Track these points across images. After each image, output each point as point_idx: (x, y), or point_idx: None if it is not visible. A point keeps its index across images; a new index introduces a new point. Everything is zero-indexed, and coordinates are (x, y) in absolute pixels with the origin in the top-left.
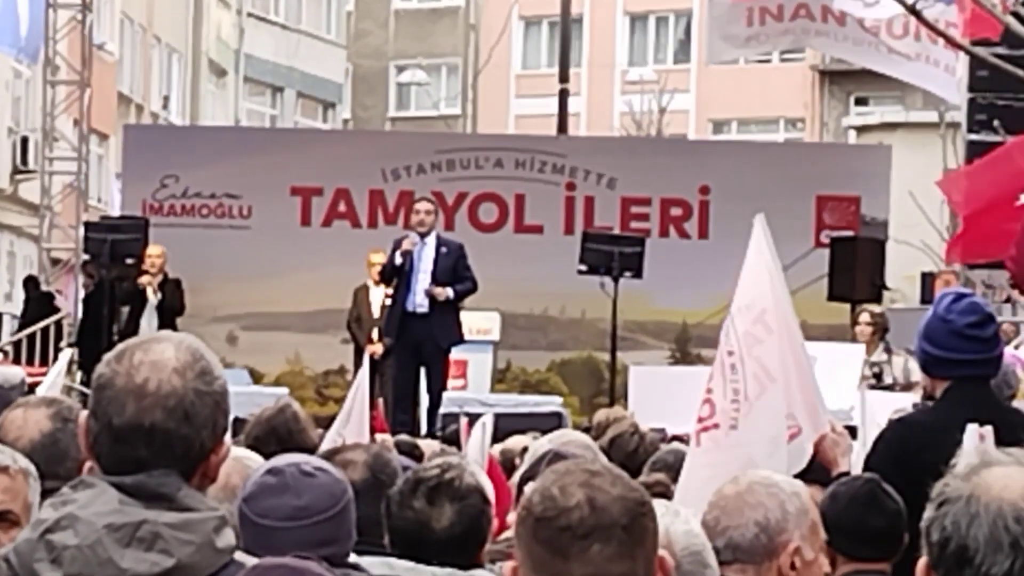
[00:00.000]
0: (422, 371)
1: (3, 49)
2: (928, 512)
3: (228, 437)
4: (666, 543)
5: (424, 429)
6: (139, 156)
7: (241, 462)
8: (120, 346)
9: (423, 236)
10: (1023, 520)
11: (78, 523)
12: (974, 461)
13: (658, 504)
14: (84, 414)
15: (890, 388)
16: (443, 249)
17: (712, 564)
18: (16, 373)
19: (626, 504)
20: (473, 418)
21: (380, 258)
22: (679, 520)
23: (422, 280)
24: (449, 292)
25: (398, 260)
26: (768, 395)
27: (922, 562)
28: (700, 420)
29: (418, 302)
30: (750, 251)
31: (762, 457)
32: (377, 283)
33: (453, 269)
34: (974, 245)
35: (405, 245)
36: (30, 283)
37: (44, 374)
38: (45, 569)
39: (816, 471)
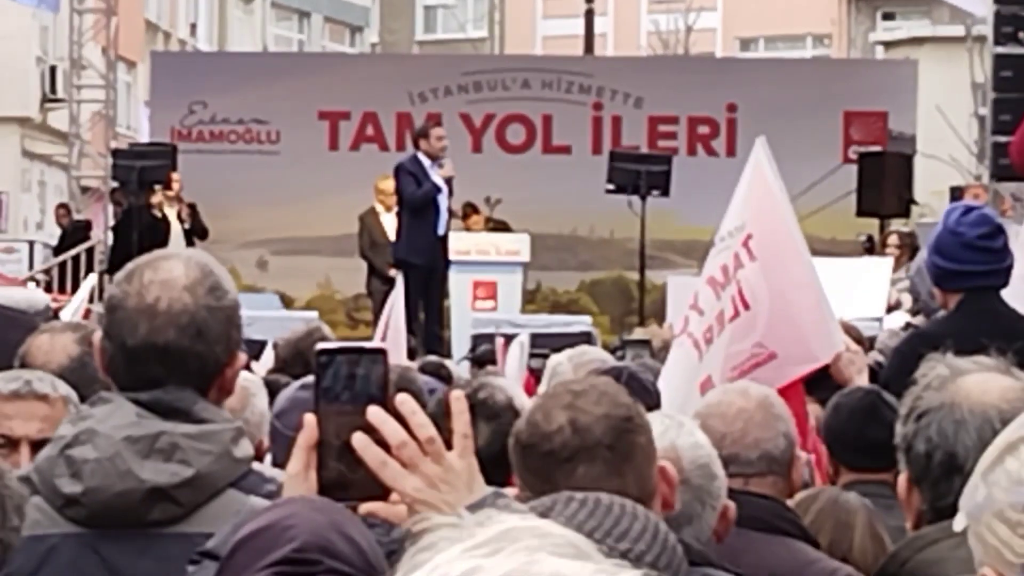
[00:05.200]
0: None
1: (23, 2)
2: (905, 427)
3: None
4: (674, 457)
5: (423, 347)
6: (167, 83)
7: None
8: (129, 266)
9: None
10: (1008, 422)
11: (97, 437)
12: (943, 372)
13: (661, 417)
14: (98, 335)
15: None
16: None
17: (720, 474)
18: (41, 299)
19: (610, 422)
20: (509, 339)
21: (390, 184)
22: (684, 432)
23: (445, 204)
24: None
25: (442, 184)
26: (739, 320)
27: (902, 478)
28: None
29: (443, 222)
30: (746, 173)
31: (718, 380)
32: (389, 209)
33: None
34: None
35: (448, 171)
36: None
37: None
38: (65, 484)
39: (819, 389)
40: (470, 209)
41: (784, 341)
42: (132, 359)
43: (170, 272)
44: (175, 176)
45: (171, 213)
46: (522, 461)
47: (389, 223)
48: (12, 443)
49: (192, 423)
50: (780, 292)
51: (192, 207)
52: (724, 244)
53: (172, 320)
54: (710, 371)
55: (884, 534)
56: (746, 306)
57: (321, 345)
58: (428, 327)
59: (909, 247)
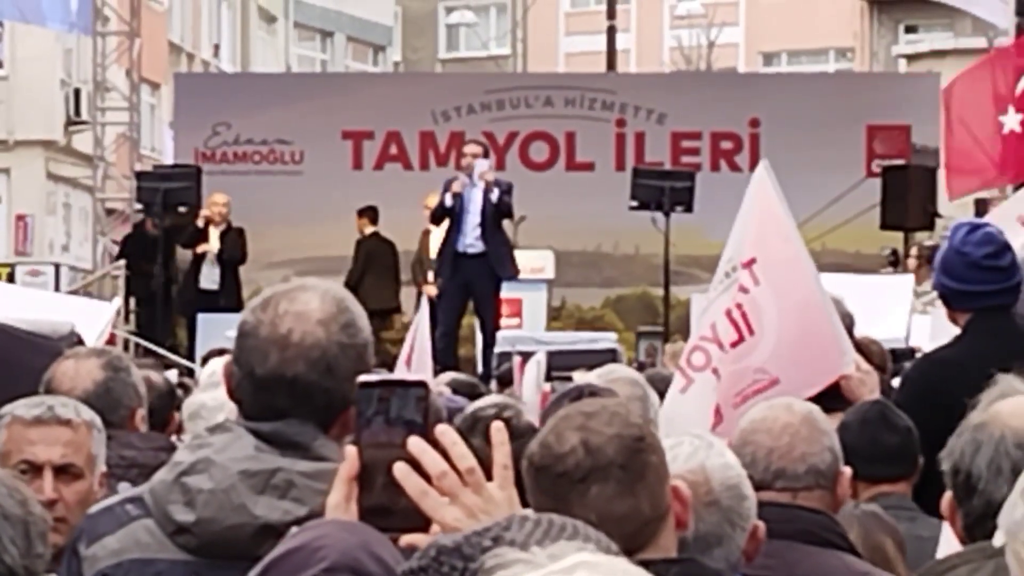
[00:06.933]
0: (469, 311)
1: (54, 26)
2: (952, 442)
3: None
4: (703, 478)
5: (480, 369)
6: (191, 104)
7: None
8: (265, 293)
9: (471, 178)
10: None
11: (213, 467)
12: (994, 392)
13: (690, 437)
14: (227, 359)
15: None
16: (491, 192)
17: (750, 495)
18: (65, 324)
19: (622, 442)
20: (526, 356)
21: (431, 200)
22: (713, 453)
23: (471, 221)
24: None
25: (448, 201)
26: (743, 345)
27: (947, 496)
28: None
29: (468, 242)
30: (746, 200)
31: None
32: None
33: (498, 208)
34: (962, 176)
35: (455, 187)
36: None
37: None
38: (178, 511)
39: (835, 399)
40: None
41: (788, 367)
42: (259, 388)
43: (306, 304)
44: (219, 199)
45: (214, 234)
46: (535, 483)
47: (435, 240)
48: (35, 468)
49: (310, 459)
50: (787, 316)
51: (239, 232)
52: (737, 274)
53: (303, 353)
54: (717, 398)
55: (887, 544)
56: (751, 331)
57: (363, 378)
58: (484, 349)
59: (926, 258)
